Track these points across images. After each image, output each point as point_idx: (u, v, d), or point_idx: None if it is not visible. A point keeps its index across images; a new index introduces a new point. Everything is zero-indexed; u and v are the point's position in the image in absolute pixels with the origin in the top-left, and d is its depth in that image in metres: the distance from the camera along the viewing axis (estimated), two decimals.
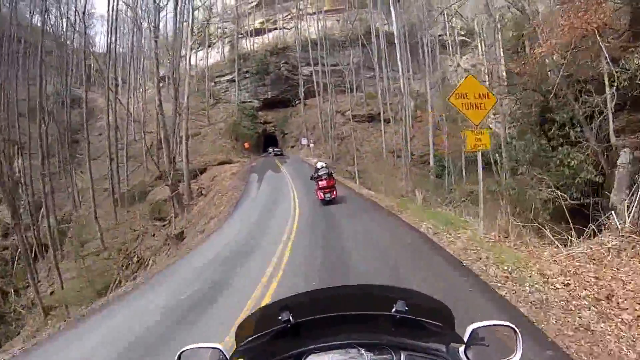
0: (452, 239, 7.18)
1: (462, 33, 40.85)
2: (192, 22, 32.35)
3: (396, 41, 28.53)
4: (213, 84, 49.72)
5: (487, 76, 18.93)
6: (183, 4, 31.72)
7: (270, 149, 40.76)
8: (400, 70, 28.90)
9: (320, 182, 12.90)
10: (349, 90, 36.07)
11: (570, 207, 8.62)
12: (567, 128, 9.98)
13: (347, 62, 36.08)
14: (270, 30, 50.49)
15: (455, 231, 7.66)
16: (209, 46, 53.73)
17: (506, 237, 6.94)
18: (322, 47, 37.92)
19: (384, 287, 1.32)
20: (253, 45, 48.96)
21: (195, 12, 50.31)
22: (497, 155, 14.29)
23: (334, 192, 13.01)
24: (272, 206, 14.76)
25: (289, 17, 48.30)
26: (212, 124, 40.35)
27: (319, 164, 13.70)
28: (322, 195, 12.81)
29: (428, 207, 12.67)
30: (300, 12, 45.01)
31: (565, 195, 9.01)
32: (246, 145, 38.06)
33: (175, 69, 27.92)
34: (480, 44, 35.03)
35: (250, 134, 41.31)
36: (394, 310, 1.10)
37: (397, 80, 36.58)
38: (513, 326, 1.13)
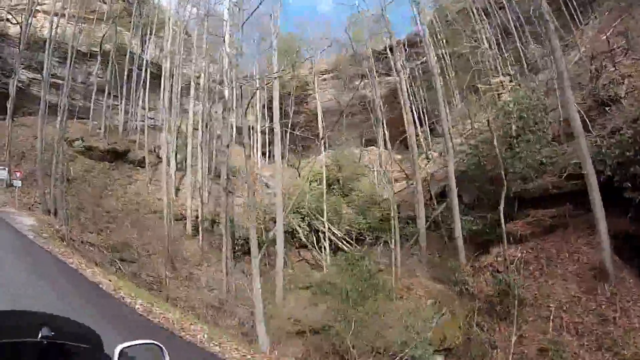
0: None
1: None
2: None
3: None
4: None
5: None
6: None
7: None
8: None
9: None
10: (76, 116, 27.32)
11: None
12: None
13: (85, 79, 27.83)
14: None
15: None
16: None
17: None
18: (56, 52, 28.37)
19: (27, 313, 1.21)
20: None
21: None
22: None
23: None
24: None
25: (19, 7, 35.71)
26: None
27: None
28: None
29: None
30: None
31: None
32: None
33: None
34: None
35: None
36: (40, 336, 1.07)
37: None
38: (159, 344, 1.25)
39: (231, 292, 17.50)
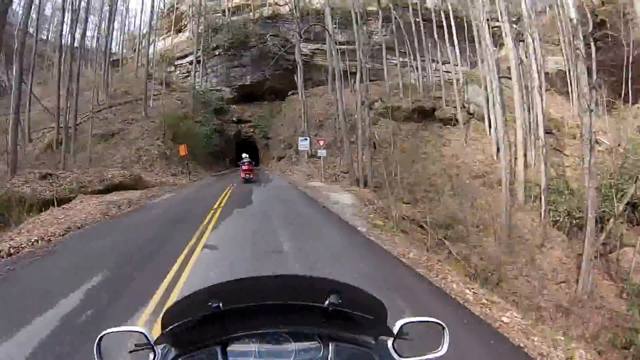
0: None
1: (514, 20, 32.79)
2: None
3: None
4: (172, 68, 37.67)
5: None
6: None
7: (244, 156, 22.59)
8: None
9: (243, 166, 18.44)
10: (368, 78, 25.47)
11: None
12: None
13: (366, 40, 25.84)
14: (257, 8, 39.52)
15: None
16: (179, 31, 41.34)
17: None
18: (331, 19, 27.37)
19: (319, 279, 1.21)
20: (230, 16, 37.45)
21: None
22: None
23: (252, 174, 18.47)
24: None
25: None
26: (149, 118, 26.83)
27: (244, 155, 19.24)
28: (244, 175, 18.20)
29: None
30: None
31: None
32: (181, 150, 22.46)
33: None
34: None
35: (206, 135, 28.09)
36: (327, 302, 1.08)
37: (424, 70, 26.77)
38: (442, 323, 1.20)
39: (585, 289, 12.62)
